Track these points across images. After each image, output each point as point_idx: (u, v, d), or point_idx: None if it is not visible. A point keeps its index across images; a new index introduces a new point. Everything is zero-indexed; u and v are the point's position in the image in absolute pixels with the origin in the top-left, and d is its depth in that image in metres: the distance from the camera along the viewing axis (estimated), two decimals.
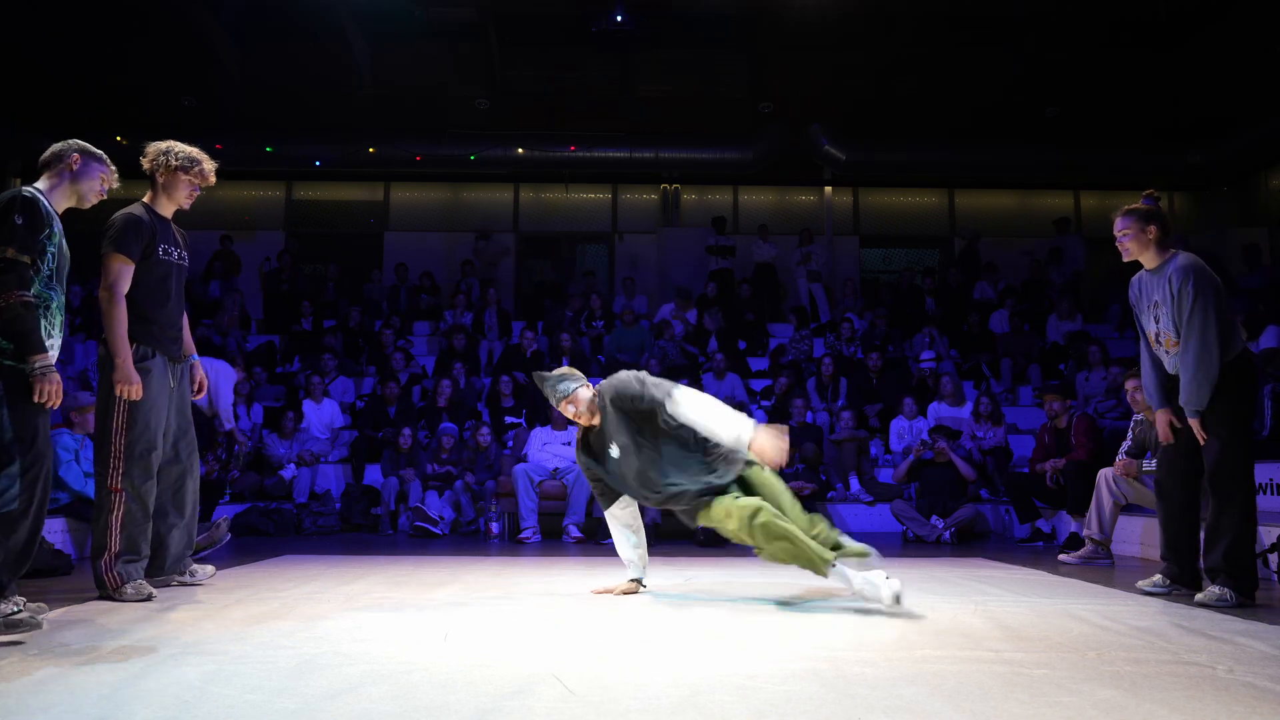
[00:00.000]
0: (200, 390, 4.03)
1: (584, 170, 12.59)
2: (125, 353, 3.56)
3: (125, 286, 3.61)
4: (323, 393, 8.49)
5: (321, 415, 8.35)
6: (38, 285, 2.97)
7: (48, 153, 3.21)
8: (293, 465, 7.70)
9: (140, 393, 3.58)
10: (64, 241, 3.14)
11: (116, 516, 3.60)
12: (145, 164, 3.79)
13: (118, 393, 3.57)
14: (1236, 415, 3.61)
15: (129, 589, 3.56)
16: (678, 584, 4.13)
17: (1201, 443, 3.64)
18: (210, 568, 4.09)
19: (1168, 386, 3.82)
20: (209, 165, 3.83)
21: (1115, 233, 3.84)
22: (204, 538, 5.21)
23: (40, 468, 2.91)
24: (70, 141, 3.23)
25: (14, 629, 2.64)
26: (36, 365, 2.90)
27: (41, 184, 3.15)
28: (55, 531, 5.08)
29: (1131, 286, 3.93)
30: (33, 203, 2.99)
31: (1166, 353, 3.79)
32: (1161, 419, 3.80)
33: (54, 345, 3.05)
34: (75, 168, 3.19)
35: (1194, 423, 3.64)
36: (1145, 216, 3.77)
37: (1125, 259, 3.87)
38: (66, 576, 4.46)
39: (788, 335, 10.52)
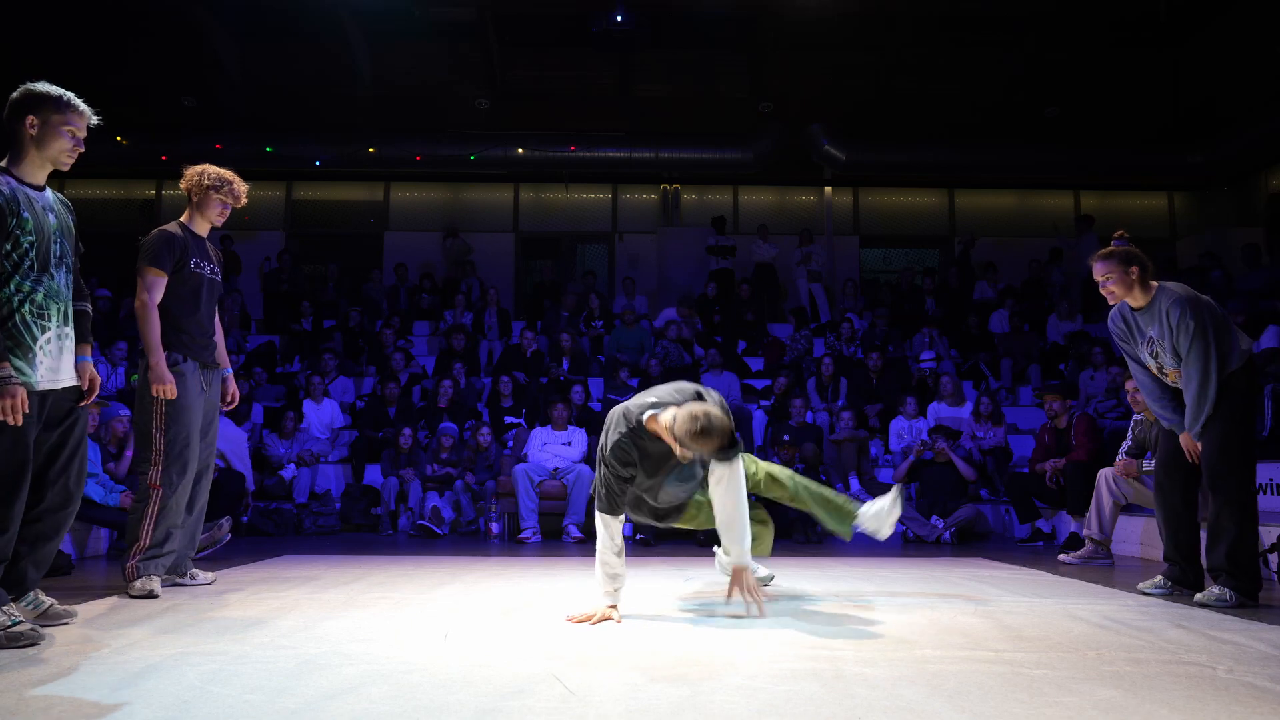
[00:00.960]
0: (233, 402, 4.25)
1: (584, 170, 12.59)
2: (159, 355, 3.79)
3: (158, 296, 3.85)
4: (323, 393, 8.49)
5: (321, 415, 8.35)
6: (15, 279, 2.74)
7: (1, 116, 2.81)
8: (293, 465, 7.69)
9: (174, 391, 3.81)
10: (52, 215, 2.87)
11: (153, 511, 3.81)
12: (183, 185, 4.04)
13: (154, 392, 3.78)
14: (1238, 416, 3.62)
15: (138, 584, 3.69)
16: (677, 584, 4.13)
17: (1194, 460, 3.72)
18: (211, 575, 4.15)
19: (1181, 406, 3.80)
20: (240, 186, 4.08)
21: (1097, 278, 3.80)
22: (206, 537, 5.23)
23: (14, 482, 2.70)
24: (22, 94, 2.80)
25: (14, 642, 2.59)
26: None
27: (4, 161, 2.82)
28: None
29: (1113, 321, 3.89)
30: None
31: (1173, 384, 3.80)
32: (1185, 442, 3.77)
33: (51, 337, 2.85)
34: (34, 133, 2.80)
35: (1188, 439, 3.73)
36: (1125, 258, 3.74)
37: (1111, 302, 3.85)
38: (66, 576, 4.46)
39: (788, 335, 10.51)
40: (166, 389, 3.77)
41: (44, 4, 9.22)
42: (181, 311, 3.92)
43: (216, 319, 4.19)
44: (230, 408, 4.28)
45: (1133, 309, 3.81)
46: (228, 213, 4.10)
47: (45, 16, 9.40)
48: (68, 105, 2.85)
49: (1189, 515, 3.84)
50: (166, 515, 3.82)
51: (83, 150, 2.94)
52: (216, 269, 4.14)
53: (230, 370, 4.28)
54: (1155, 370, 3.82)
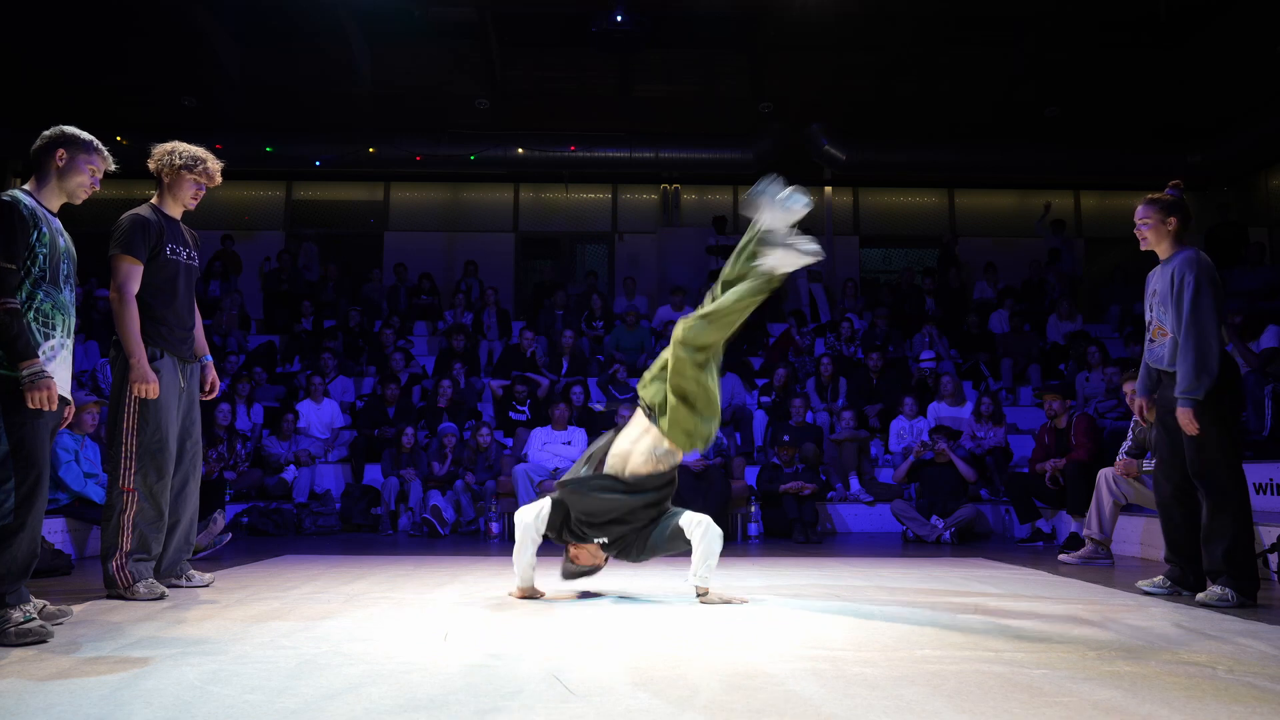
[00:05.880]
0: (212, 391, 4.01)
1: (584, 170, 12.58)
2: (140, 352, 3.57)
3: (134, 287, 3.62)
4: (323, 393, 8.49)
5: (321, 415, 8.35)
6: (27, 287, 2.89)
7: (35, 146, 3.04)
8: (293, 467, 7.69)
9: (157, 391, 3.59)
10: (62, 238, 3.04)
11: (129, 515, 3.61)
12: (151, 165, 3.81)
13: (135, 392, 3.57)
14: (1223, 412, 3.60)
15: (141, 588, 3.57)
16: (678, 584, 4.13)
17: (1195, 433, 3.54)
18: (209, 575, 4.04)
19: (1150, 379, 3.89)
20: (214, 164, 3.85)
21: (1136, 219, 3.82)
22: (202, 536, 5.22)
23: (36, 480, 2.82)
24: (56, 132, 3.05)
25: (24, 638, 2.64)
26: (25, 373, 2.78)
27: (30, 184, 3.04)
28: (55, 531, 5.08)
29: (1149, 278, 3.92)
30: (9, 207, 2.87)
31: (1150, 340, 3.80)
32: (1184, 418, 3.57)
33: (55, 346, 2.96)
34: (61, 165, 3.03)
35: (1187, 413, 3.53)
36: (1167, 207, 3.75)
37: (1143, 247, 3.85)
38: (66, 576, 4.46)
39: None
40: (149, 389, 3.56)
41: (44, 4, 9.21)
42: (158, 301, 3.69)
43: (195, 307, 3.96)
44: (210, 397, 4.01)
45: (1159, 260, 3.83)
46: (201, 194, 3.85)
47: (45, 16, 9.40)
48: (94, 148, 3.12)
49: (1187, 518, 3.82)
50: (143, 518, 3.63)
51: (98, 189, 3.14)
52: (194, 253, 3.90)
53: (210, 358, 4.04)
54: (1148, 325, 3.81)
